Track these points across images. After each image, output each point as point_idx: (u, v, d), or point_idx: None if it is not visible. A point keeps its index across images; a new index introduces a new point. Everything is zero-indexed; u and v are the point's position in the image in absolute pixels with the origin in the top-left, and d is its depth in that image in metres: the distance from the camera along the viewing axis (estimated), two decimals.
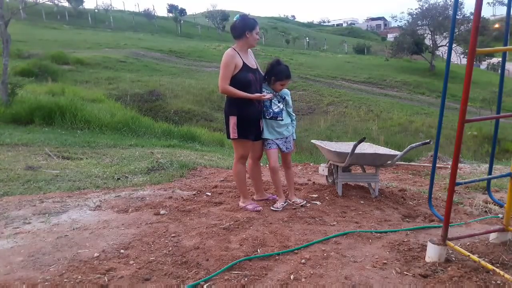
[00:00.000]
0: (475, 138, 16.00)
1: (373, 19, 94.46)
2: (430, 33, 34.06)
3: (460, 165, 6.25)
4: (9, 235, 2.90)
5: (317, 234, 2.99)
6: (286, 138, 3.69)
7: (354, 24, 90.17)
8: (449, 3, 32.07)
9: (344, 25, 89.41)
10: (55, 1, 38.85)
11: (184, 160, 6.08)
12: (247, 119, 3.49)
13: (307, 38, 50.44)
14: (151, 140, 9.02)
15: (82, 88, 15.50)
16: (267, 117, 3.62)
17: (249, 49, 3.59)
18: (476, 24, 2.12)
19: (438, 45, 33.54)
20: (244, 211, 3.51)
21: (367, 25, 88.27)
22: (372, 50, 46.25)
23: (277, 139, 3.65)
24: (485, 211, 3.73)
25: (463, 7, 32.16)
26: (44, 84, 14.35)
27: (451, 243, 2.46)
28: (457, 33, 29.58)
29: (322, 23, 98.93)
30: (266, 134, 3.64)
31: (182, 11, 56.90)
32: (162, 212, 3.46)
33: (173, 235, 2.94)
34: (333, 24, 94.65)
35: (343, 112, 18.95)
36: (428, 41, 34.70)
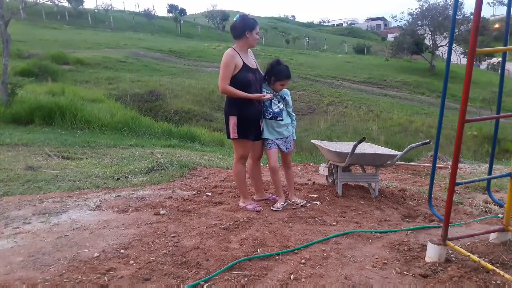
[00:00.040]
0: (475, 138, 15.99)
1: (373, 19, 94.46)
2: (430, 33, 34.07)
3: (460, 165, 6.25)
4: (9, 235, 2.90)
5: (317, 234, 2.99)
6: (286, 138, 3.69)
7: (354, 24, 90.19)
8: (449, 3, 32.08)
9: (344, 25, 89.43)
10: (55, 1, 38.94)
11: (184, 160, 6.08)
12: (247, 119, 3.49)
13: (307, 38, 50.43)
14: (151, 140, 9.02)
15: (82, 88, 15.50)
16: (267, 117, 3.62)
17: (249, 49, 3.59)
18: (476, 24, 2.12)
19: (438, 45, 33.54)
20: (244, 211, 3.51)
21: (367, 25, 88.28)
22: (372, 50, 46.25)
23: (277, 139, 3.65)
24: (485, 211, 3.73)
25: (463, 7, 32.22)
26: (44, 84, 14.34)
27: (451, 243, 2.46)
28: (457, 33, 29.58)
29: (322, 23, 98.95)
30: (266, 134, 3.64)
31: (182, 11, 56.90)
32: (162, 212, 3.46)
33: (173, 235, 2.94)
34: (333, 24, 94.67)
35: (343, 112, 18.94)
36: (428, 41, 34.71)
